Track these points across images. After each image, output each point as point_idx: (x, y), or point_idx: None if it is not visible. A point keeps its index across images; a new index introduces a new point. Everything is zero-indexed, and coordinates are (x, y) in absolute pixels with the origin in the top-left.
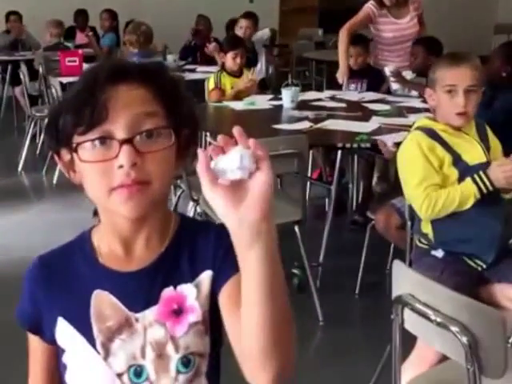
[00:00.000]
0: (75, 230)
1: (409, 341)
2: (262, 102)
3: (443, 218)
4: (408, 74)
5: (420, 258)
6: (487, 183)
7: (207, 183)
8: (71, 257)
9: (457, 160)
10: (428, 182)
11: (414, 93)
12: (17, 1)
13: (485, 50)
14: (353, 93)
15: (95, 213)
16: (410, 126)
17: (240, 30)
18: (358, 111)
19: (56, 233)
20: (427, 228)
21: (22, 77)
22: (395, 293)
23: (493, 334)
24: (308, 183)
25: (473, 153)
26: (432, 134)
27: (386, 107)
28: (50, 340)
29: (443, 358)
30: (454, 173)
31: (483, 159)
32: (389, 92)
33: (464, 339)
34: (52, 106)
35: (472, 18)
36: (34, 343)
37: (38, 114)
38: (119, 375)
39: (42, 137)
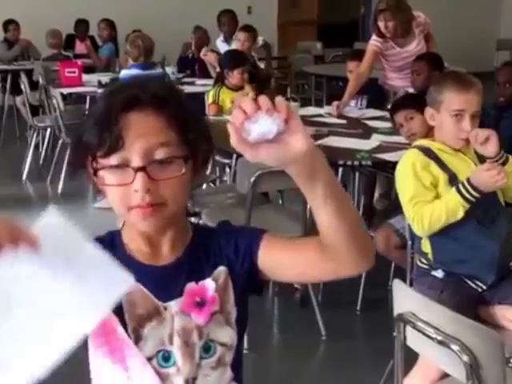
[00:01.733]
0: None
1: (410, 356)
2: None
3: (441, 238)
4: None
5: (420, 277)
6: (471, 190)
7: (248, 155)
8: (105, 246)
9: (452, 179)
10: (417, 199)
11: None
12: (14, 9)
13: (487, 66)
14: (353, 109)
15: None
16: (411, 145)
17: (238, 43)
18: (359, 128)
19: None
20: (427, 247)
21: (22, 87)
22: (396, 311)
23: (492, 355)
24: None
25: (468, 173)
26: (428, 152)
27: (387, 125)
28: None
29: (444, 375)
30: (449, 192)
31: None
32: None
33: (465, 358)
34: (77, 126)
35: (474, 33)
36: None
37: (40, 125)
38: (149, 359)
39: (44, 146)
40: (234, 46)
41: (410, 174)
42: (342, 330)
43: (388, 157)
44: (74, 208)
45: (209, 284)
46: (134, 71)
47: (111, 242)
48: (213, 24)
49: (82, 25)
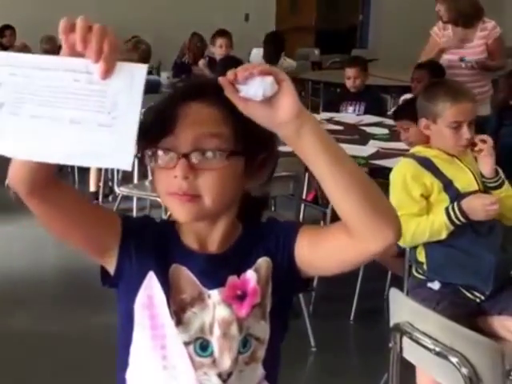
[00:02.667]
0: (63, 244)
1: (406, 369)
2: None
3: (437, 247)
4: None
5: (415, 289)
6: (459, 215)
7: (239, 106)
8: (159, 231)
9: (448, 186)
10: (402, 211)
11: None
12: (10, 14)
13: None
14: (350, 115)
15: None
16: (408, 151)
17: (218, 49)
18: (355, 134)
19: (43, 246)
20: (422, 257)
21: None
22: (393, 321)
23: (492, 367)
24: (303, 205)
25: (464, 180)
26: (424, 161)
27: (384, 131)
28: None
29: None
30: (445, 198)
31: (475, 187)
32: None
33: (464, 370)
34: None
35: None
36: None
37: None
38: (186, 344)
39: None
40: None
41: (399, 185)
42: (334, 341)
43: (385, 163)
44: None
45: (250, 275)
46: None
47: (165, 226)
48: (209, 30)
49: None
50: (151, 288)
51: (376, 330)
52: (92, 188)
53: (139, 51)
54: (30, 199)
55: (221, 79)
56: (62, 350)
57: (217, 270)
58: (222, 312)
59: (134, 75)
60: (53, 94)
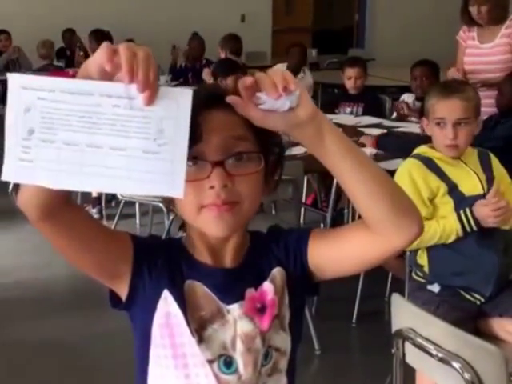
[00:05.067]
0: None
1: (409, 373)
2: None
3: (440, 250)
4: (409, 97)
5: (415, 292)
6: (471, 222)
7: (254, 118)
8: (167, 248)
9: (452, 189)
10: None
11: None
12: (6, 19)
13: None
14: (348, 117)
15: (181, 227)
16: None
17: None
18: (354, 136)
19: (47, 254)
20: (423, 259)
21: None
22: (395, 326)
23: (495, 372)
24: (303, 209)
25: (469, 183)
26: (429, 162)
27: (383, 132)
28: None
29: None
30: (449, 202)
31: (479, 191)
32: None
33: (466, 375)
34: None
35: None
36: (124, 236)
37: None
38: (210, 362)
39: None
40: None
41: (409, 186)
42: (337, 343)
43: (384, 165)
44: None
45: (267, 287)
46: None
47: (174, 245)
48: (206, 31)
49: (68, 35)
50: (167, 307)
51: (378, 332)
52: (94, 193)
53: None
54: (41, 224)
55: (231, 99)
56: (66, 357)
57: (234, 284)
58: (245, 326)
59: (179, 100)
60: (88, 119)
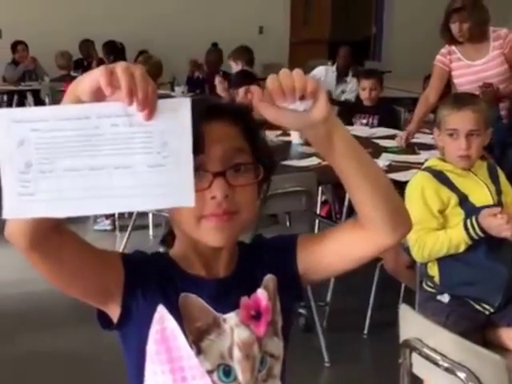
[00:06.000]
0: None
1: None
2: (271, 137)
3: (451, 261)
4: None
5: (426, 302)
6: (478, 230)
7: (268, 115)
8: (157, 263)
9: (463, 201)
10: (422, 226)
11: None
12: (23, 31)
13: None
14: (363, 128)
15: (162, 241)
16: (421, 164)
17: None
18: (368, 147)
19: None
20: (433, 270)
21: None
22: (403, 337)
23: (499, 381)
24: (317, 220)
25: (480, 194)
26: (439, 175)
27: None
28: (126, 305)
29: None
30: (460, 213)
31: (490, 202)
32: None
33: None
34: None
35: None
36: (114, 256)
37: None
38: (209, 372)
39: None
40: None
41: (419, 199)
42: (347, 355)
43: (397, 176)
44: (74, 229)
45: (261, 294)
46: None
47: (163, 259)
48: (224, 43)
49: (85, 45)
50: (163, 321)
51: (390, 344)
52: None
53: (149, 65)
54: (30, 253)
55: (256, 102)
56: (79, 368)
57: (228, 293)
58: (242, 334)
59: (179, 110)
60: (87, 142)
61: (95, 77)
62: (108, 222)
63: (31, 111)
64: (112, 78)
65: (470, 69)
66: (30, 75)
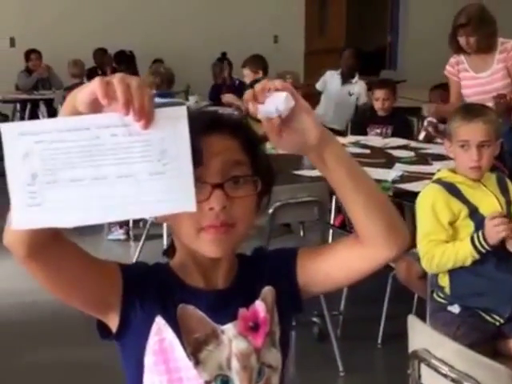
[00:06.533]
0: None
1: None
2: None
3: (460, 271)
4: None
5: (436, 313)
6: (483, 243)
7: (275, 143)
8: (156, 274)
9: (473, 212)
10: (431, 237)
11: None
12: (37, 39)
13: None
14: (377, 138)
15: (164, 252)
16: (434, 174)
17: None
18: (382, 158)
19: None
20: (444, 281)
21: (41, 117)
22: (411, 347)
23: None
24: (331, 230)
25: (489, 206)
26: (450, 187)
27: (410, 154)
28: (124, 316)
29: None
30: (469, 225)
31: None
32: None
33: None
34: None
35: None
36: (113, 266)
37: None
38: (207, 383)
39: None
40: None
41: (429, 212)
42: (361, 364)
43: (410, 187)
44: (88, 239)
45: (259, 306)
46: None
47: (162, 270)
48: (238, 52)
49: (99, 54)
50: (161, 332)
51: (403, 354)
52: None
53: (160, 75)
54: (28, 262)
55: (265, 124)
56: (78, 379)
57: (226, 304)
58: (240, 345)
59: (175, 117)
60: (89, 153)
61: (92, 88)
62: (122, 231)
63: (34, 124)
64: (108, 89)
65: (475, 80)
66: (43, 84)
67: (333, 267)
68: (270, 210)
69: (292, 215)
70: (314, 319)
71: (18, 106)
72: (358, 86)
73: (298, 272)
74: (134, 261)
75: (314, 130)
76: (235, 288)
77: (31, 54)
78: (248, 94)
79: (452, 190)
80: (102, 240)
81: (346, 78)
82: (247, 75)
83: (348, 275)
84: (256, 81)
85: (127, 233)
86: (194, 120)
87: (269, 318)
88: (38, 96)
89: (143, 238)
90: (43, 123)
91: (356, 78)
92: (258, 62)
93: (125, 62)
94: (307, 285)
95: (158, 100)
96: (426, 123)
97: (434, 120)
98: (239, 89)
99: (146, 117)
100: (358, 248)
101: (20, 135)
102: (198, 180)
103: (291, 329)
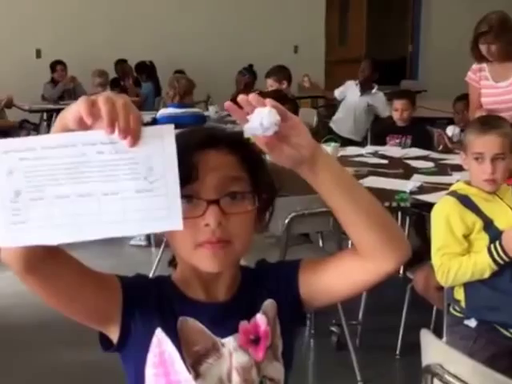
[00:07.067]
0: None
1: None
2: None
3: (476, 285)
4: (450, 130)
5: (453, 327)
6: (501, 254)
7: (272, 156)
8: (157, 287)
9: (488, 226)
10: (445, 250)
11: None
12: (62, 50)
13: None
14: (395, 149)
15: (170, 263)
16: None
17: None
18: (400, 168)
19: None
20: (460, 294)
21: None
22: (424, 361)
23: None
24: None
25: (505, 219)
26: (464, 199)
27: (429, 164)
28: (125, 328)
29: None
30: (484, 238)
31: None
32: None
33: None
34: None
35: None
36: (112, 279)
37: None
38: None
39: None
40: None
41: (443, 224)
42: (380, 375)
43: (428, 198)
44: (110, 244)
45: (260, 319)
46: (170, 110)
47: (164, 282)
48: (258, 63)
49: (120, 65)
50: (161, 345)
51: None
52: None
53: (174, 88)
54: (25, 276)
55: (261, 144)
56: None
57: (227, 317)
58: (240, 358)
59: (162, 136)
60: (75, 170)
61: (77, 107)
62: (143, 237)
63: (19, 141)
64: (93, 108)
65: (494, 90)
66: (69, 94)
67: (334, 279)
68: (286, 221)
69: (308, 225)
70: (333, 328)
71: (45, 115)
72: (376, 98)
73: (299, 284)
74: (154, 267)
75: (306, 143)
76: (236, 301)
77: (57, 65)
78: (229, 104)
79: (466, 202)
80: (123, 245)
81: (364, 89)
82: (271, 85)
83: (350, 287)
84: (277, 92)
85: (148, 238)
86: (191, 136)
87: (270, 331)
88: (63, 106)
89: (163, 244)
90: (28, 140)
91: (375, 89)
92: (282, 72)
93: (145, 71)
94: (309, 297)
95: (172, 110)
96: (436, 134)
97: (451, 132)
98: None
99: (132, 135)
100: (358, 260)
101: (4, 153)
102: (194, 196)
103: (295, 341)
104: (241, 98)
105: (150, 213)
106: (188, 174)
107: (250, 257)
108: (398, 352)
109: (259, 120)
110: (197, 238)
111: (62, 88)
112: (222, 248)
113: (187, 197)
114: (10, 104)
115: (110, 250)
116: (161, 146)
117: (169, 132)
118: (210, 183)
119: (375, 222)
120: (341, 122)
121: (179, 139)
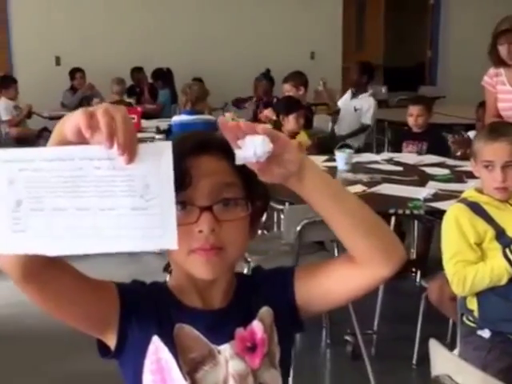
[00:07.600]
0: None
1: None
2: (316, 163)
3: (489, 295)
4: (471, 136)
5: (466, 337)
6: None
7: (261, 177)
8: (153, 294)
9: (500, 234)
10: (459, 258)
11: None
12: (80, 58)
13: None
14: (411, 155)
15: (165, 268)
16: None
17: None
18: (415, 175)
19: None
20: (473, 304)
21: None
22: (433, 372)
23: None
24: None
25: None
26: (475, 207)
27: (445, 171)
28: (122, 334)
29: None
30: (497, 248)
31: None
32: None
33: None
34: None
35: None
36: (109, 285)
37: None
38: None
39: None
40: None
41: (455, 231)
42: None
43: (442, 205)
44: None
45: (256, 326)
46: (183, 116)
47: (160, 289)
48: (275, 69)
49: (136, 73)
50: (158, 352)
51: None
52: None
53: (186, 94)
54: (23, 285)
55: (257, 169)
56: None
57: (223, 324)
58: (237, 366)
59: (160, 154)
60: (72, 183)
61: (76, 119)
62: None
63: (18, 152)
64: (92, 121)
65: (510, 95)
66: (88, 101)
67: (331, 284)
68: (298, 228)
69: (321, 233)
70: (347, 337)
71: None
72: (363, 102)
73: (295, 290)
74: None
75: (295, 157)
76: (232, 308)
77: (76, 72)
78: (223, 122)
79: (477, 209)
80: (141, 252)
81: (354, 93)
82: (288, 91)
83: (347, 292)
84: (289, 98)
85: None
86: (184, 141)
87: (267, 339)
88: None
89: None
90: (28, 151)
91: (365, 94)
92: (300, 78)
93: (162, 77)
94: (306, 303)
95: (184, 117)
96: (450, 140)
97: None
98: None
99: (130, 151)
100: (354, 266)
101: (4, 162)
102: (188, 202)
103: (293, 347)
104: (231, 125)
105: (145, 231)
106: (181, 180)
107: (264, 263)
108: (414, 362)
109: (253, 149)
110: (190, 244)
111: (81, 95)
112: (215, 255)
113: (181, 203)
114: (29, 114)
115: (129, 257)
116: (158, 164)
117: (167, 151)
118: (203, 189)
119: (367, 229)
120: (338, 126)
121: (172, 145)
